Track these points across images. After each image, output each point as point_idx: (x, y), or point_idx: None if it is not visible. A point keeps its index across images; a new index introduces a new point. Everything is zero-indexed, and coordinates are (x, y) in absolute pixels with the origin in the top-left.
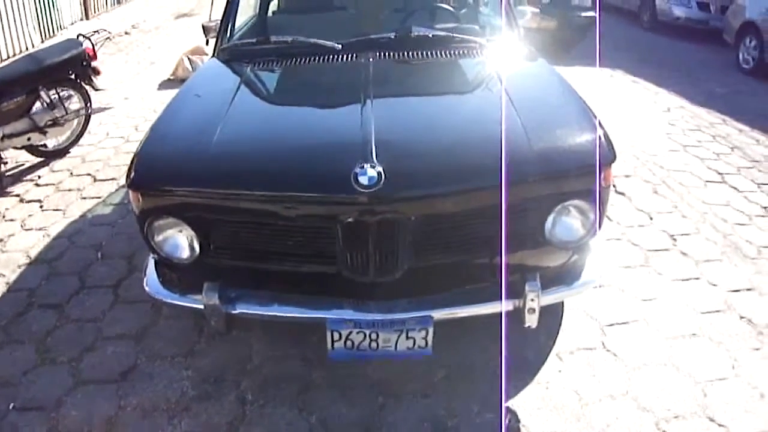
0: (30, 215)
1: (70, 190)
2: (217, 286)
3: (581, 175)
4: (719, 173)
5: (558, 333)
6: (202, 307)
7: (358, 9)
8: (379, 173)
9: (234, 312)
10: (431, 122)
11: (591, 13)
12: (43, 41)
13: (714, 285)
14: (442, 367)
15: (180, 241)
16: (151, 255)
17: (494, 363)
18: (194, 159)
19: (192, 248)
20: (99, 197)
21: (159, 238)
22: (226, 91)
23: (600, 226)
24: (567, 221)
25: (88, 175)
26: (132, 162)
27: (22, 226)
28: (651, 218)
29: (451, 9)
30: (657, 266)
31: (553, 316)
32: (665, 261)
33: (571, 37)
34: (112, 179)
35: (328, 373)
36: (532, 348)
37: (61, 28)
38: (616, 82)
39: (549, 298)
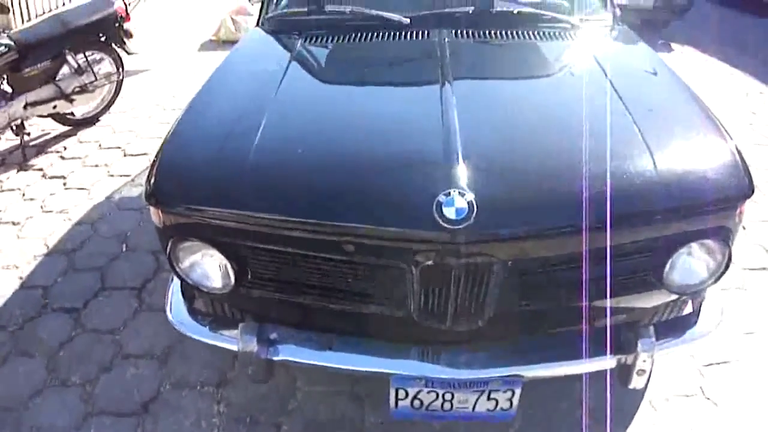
0: (51, 194)
1: (96, 165)
2: (256, 327)
3: (716, 210)
4: None
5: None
6: (236, 348)
7: None
8: (469, 203)
9: (276, 359)
10: (531, 133)
11: None
12: (71, 0)
13: None
14: (516, 416)
15: (211, 269)
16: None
17: (577, 412)
18: (229, 170)
19: (226, 277)
20: (128, 175)
21: (186, 264)
22: (270, 75)
23: (728, 269)
24: (690, 263)
25: (118, 148)
26: (152, 169)
27: (42, 207)
28: (744, 227)
29: None
30: (755, 289)
31: None
32: (764, 282)
33: (666, 18)
34: (143, 154)
35: (383, 418)
36: (620, 393)
37: None
38: (686, 60)
39: (660, 353)
